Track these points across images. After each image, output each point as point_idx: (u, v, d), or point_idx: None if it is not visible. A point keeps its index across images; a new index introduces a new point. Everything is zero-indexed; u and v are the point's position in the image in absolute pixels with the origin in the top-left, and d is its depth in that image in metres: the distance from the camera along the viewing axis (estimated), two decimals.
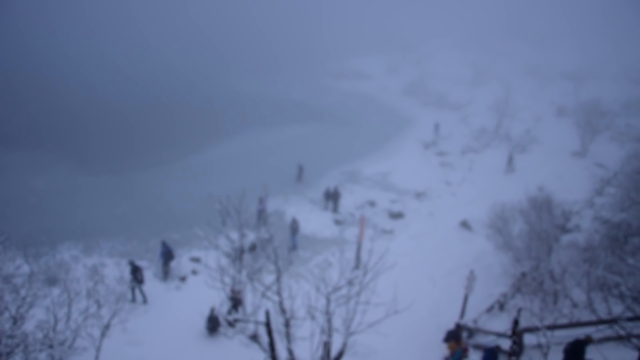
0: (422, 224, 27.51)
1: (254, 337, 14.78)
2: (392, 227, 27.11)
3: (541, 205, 20.35)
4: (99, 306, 13.20)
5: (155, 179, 31.40)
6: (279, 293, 11.49)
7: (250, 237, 18.59)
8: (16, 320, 11.32)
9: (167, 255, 20.56)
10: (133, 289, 18.70)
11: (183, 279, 20.71)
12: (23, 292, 11.60)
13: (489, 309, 18.40)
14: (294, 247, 23.59)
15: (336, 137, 43.55)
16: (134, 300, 18.71)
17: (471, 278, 17.61)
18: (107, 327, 13.39)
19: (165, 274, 20.72)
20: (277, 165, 34.83)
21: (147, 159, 34.74)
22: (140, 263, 21.30)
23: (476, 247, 23.93)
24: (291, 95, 59.53)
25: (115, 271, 19.58)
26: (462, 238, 25.63)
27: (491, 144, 42.04)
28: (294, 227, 23.60)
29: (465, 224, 26.82)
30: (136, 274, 18.93)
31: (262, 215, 24.75)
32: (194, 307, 17.75)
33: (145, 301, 18.74)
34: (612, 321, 12.66)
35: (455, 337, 15.27)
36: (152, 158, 34.94)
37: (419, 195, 31.61)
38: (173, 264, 21.13)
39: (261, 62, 77.61)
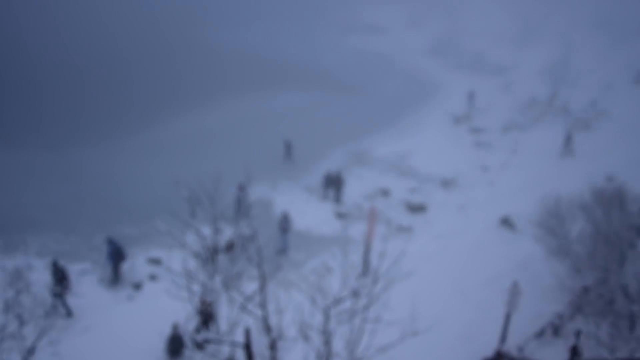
0: (450, 221, 27.39)
1: None
2: (411, 223, 27.00)
3: (610, 200, 19.94)
4: (22, 323, 12.79)
5: (104, 158, 31.02)
6: (263, 306, 11.39)
7: (227, 233, 18.33)
8: None
9: (116, 255, 20.32)
10: (63, 299, 18.38)
11: (137, 286, 20.56)
12: None
13: (539, 334, 18.18)
14: (284, 249, 23.52)
15: (340, 108, 43.19)
16: (69, 314, 18.38)
17: (514, 292, 17.43)
18: (31, 351, 12.99)
19: (114, 280, 20.50)
20: (264, 142, 34.46)
21: (93, 131, 34.32)
22: (81, 266, 21.04)
23: (521, 251, 23.66)
24: (284, 53, 59.15)
25: (47, 276, 19.25)
26: (502, 239, 25.47)
27: (543, 119, 41.73)
28: (285, 225, 23.54)
29: (506, 222, 26.68)
30: (59, 278, 18.52)
31: (242, 206, 24.52)
32: (151, 324, 17.38)
33: (69, 314, 18.34)
34: None
35: None
36: (101, 130, 34.51)
37: (447, 184, 31.40)
38: (125, 266, 20.91)
39: (247, 10, 77.03)
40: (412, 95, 47.10)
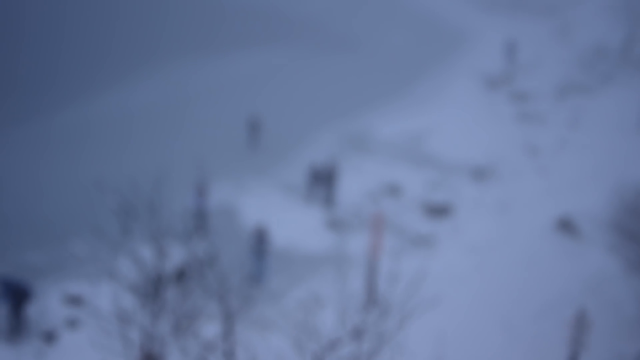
0: (487, 226, 27.53)
1: None
2: (433, 231, 27.10)
3: None
4: None
5: None
6: (229, 356, 11.36)
7: (176, 255, 18.40)
8: None
9: (15, 296, 20.24)
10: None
11: (50, 337, 20.42)
12: None
13: None
14: (259, 276, 23.45)
15: (329, 70, 43.28)
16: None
17: (581, 324, 17.49)
18: None
19: (15, 330, 20.46)
20: (223, 123, 34.62)
21: None
22: None
23: (589, 266, 23.94)
24: None
25: None
26: (561, 250, 25.64)
27: (615, 78, 42.09)
28: (260, 244, 23.28)
29: (566, 225, 26.84)
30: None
31: (203, 217, 24.68)
32: None
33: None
34: None
35: None
36: None
37: (480, 174, 31.63)
38: (30, 310, 20.91)
39: None
40: (428, 51, 47.10)
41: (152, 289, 16.36)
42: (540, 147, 34.07)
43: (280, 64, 43.93)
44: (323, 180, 28.35)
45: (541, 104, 39.02)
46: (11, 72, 39.91)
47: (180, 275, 17.96)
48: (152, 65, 42.19)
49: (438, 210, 28.53)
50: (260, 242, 23.38)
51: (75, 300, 21.99)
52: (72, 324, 21.16)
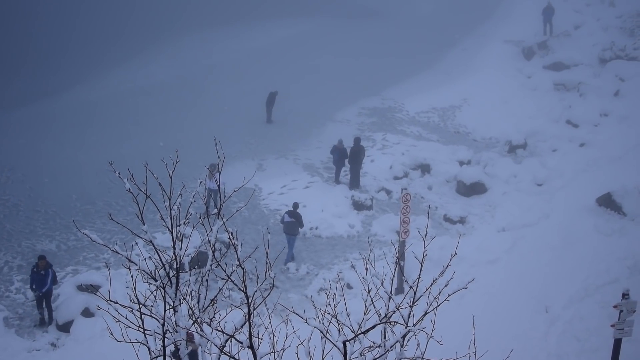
0: (523, 204, 27.29)
1: None
2: (465, 211, 27.05)
3: None
4: None
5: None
6: (251, 346, 11.25)
7: (194, 240, 18.52)
8: None
9: (40, 282, 20.47)
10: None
11: (65, 327, 20.61)
12: None
13: None
14: (291, 259, 23.77)
15: (352, 42, 43.04)
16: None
17: (626, 308, 17.37)
18: None
19: (43, 320, 20.74)
20: (241, 99, 34.71)
21: None
22: None
23: (633, 245, 23.64)
24: None
25: None
26: (603, 229, 25.30)
27: None
28: (291, 223, 23.46)
29: (609, 202, 26.49)
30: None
31: (215, 200, 24.72)
32: None
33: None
34: None
35: None
36: None
37: (515, 150, 31.48)
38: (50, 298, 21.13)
39: None
40: (459, 18, 46.76)
41: (172, 276, 16.42)
42: (579, 120, 33.51)
43: (300, 34, 43.90)
44: (347, 158, 28.22)
45: (580, 73, 38.33)
46: (19, 53, 40.03)
47: (196, 262, 18.02)
48: (166, 41, 42.23)
49: (470, 189, 28.48)
50: (292, 219, 23.40)
51: (91, 288, 21.98)
52: (87, 312, 21.20)
